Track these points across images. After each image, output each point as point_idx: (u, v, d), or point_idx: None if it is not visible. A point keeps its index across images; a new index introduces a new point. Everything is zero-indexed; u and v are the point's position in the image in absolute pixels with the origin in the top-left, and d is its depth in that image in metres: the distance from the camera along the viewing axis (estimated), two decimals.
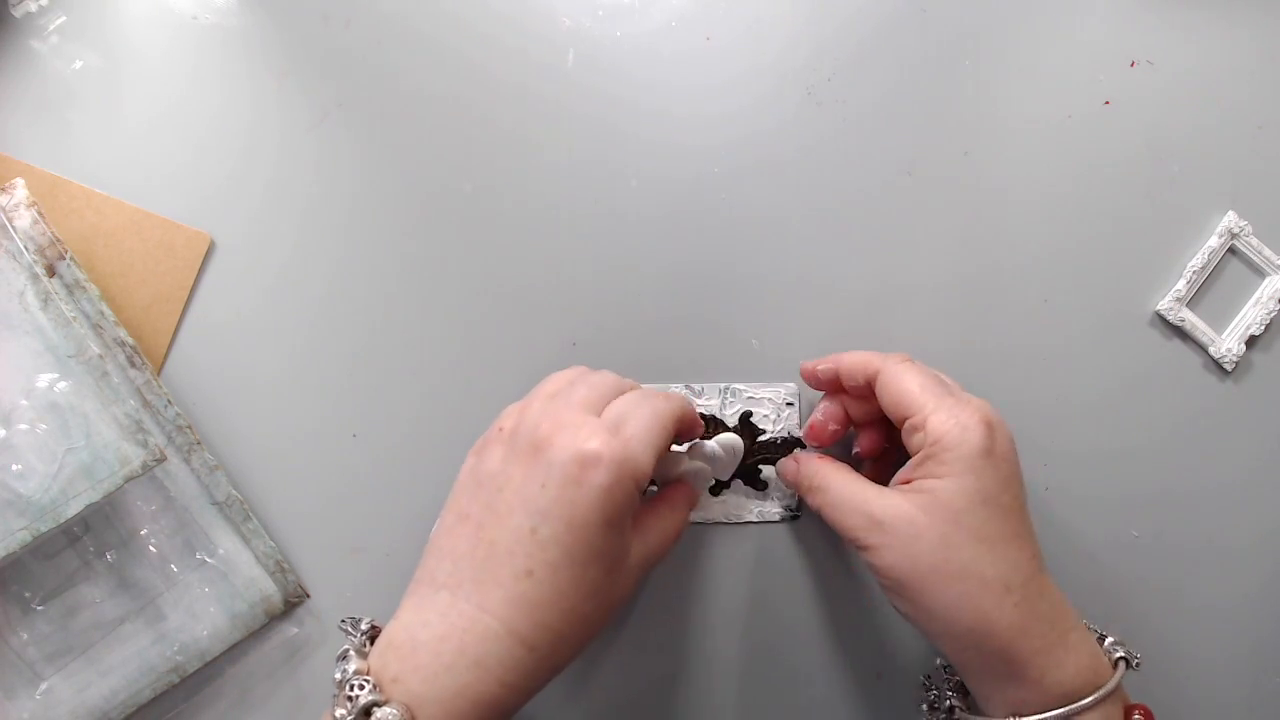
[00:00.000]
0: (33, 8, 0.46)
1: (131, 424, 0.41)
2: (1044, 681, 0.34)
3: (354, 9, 0.47)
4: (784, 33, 0.47)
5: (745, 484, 0.45)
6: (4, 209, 0.42)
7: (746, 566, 0.46)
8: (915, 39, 0.47)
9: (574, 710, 0.46)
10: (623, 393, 0.37)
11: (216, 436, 0.45)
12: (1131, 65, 0.47)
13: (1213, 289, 0.47)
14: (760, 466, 0.45)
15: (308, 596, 0.45)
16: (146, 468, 0.41)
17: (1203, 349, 0.47)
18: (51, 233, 0.43)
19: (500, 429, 0.36)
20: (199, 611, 0.44)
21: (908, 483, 0.36)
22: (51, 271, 0.42)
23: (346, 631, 0.35)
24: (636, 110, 0.47)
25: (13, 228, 0.42)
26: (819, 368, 0.41)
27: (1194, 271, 0.47)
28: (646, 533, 0.37)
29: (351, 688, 0.31)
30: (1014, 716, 0.35)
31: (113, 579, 0.44)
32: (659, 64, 0.47)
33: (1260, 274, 0.47)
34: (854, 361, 0.40)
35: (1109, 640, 0.37)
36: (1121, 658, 0.36)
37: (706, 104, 0.47)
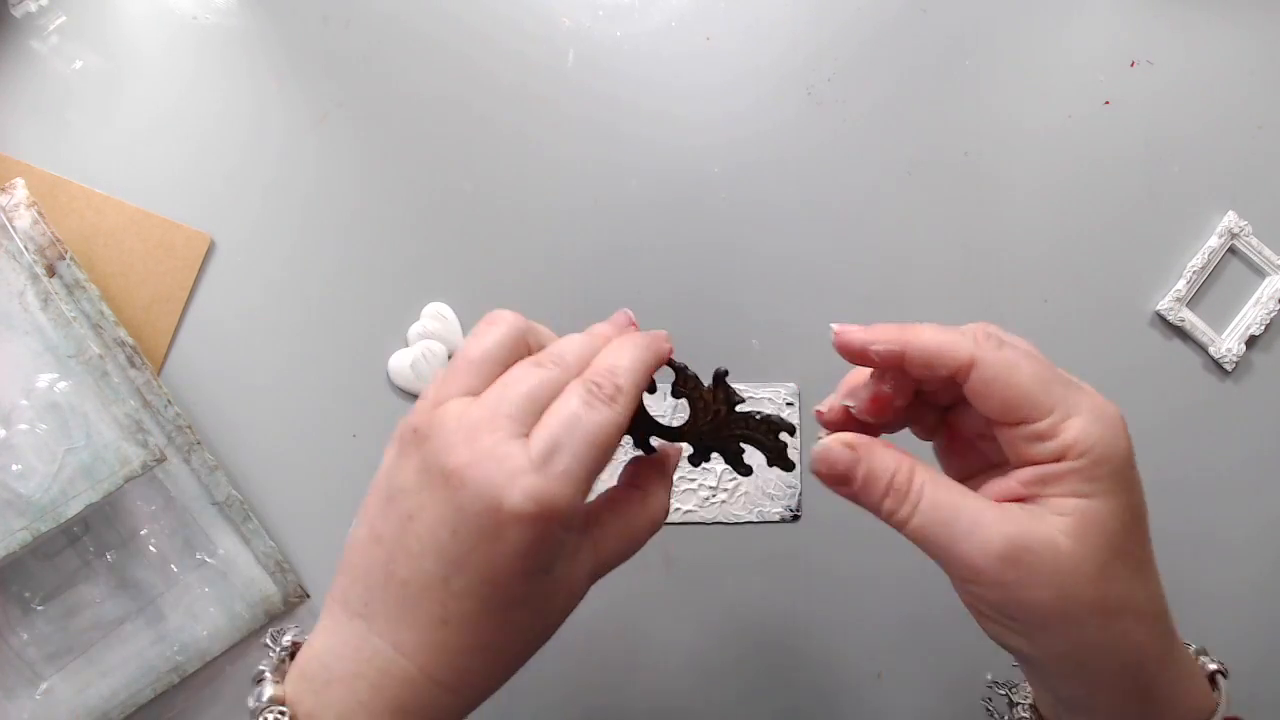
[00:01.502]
0: (33, 8, 0.46)
1: (131, 424, 0.41)
2: (1174, 709, 0.30)
3: (354, 9, 0.47)
4: (784, 33, 0.47)
5: (726, 462, 0.35)
6: (4, 209, 0.42)
7: (746, 566, 0.46)
8: (915, 39, 0.47)
9: (573, 710, 0.46)
10: (565, 384, 0.30)
11: (216, 436, 0.45)
12: (1131, 65, 0.47)
13: (1213, 289, 0.47)
14: (742, 446, 0.35)
15: (308, 596, 0.45)
16: (146, 468, 0.41)
17: (1203, 349, 0.47)
18: (51, 233, 0.43)
19: (415, 429, 0.29)
20: (199, 611, 0.44)
21: (1024, 500, 0.28)
22: (51, 271, 0.42)
23: (268, 647, 0.32)
24: (636, 110, 0.47)
25: (13, 228, 0.42)
26: (875, 346, 0.30)
27: (1194, 271, 0.47)
28: (603, 536, 0.31)
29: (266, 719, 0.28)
30: None
31: (113, 579, 0.44)
32: (659, 64, 0.47)
33: (1260, 274, 0.47)
34: (934, 344, 0.29)
35: (1192, 647, 0.33)
36: (1219, 671, 0.32)
37: (706, 104, 0.47)
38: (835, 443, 0.30)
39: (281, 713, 0.28)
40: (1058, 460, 0.27)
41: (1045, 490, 0.28)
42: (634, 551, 0.32)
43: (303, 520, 0.45)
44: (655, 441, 0.34)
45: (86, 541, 0.43)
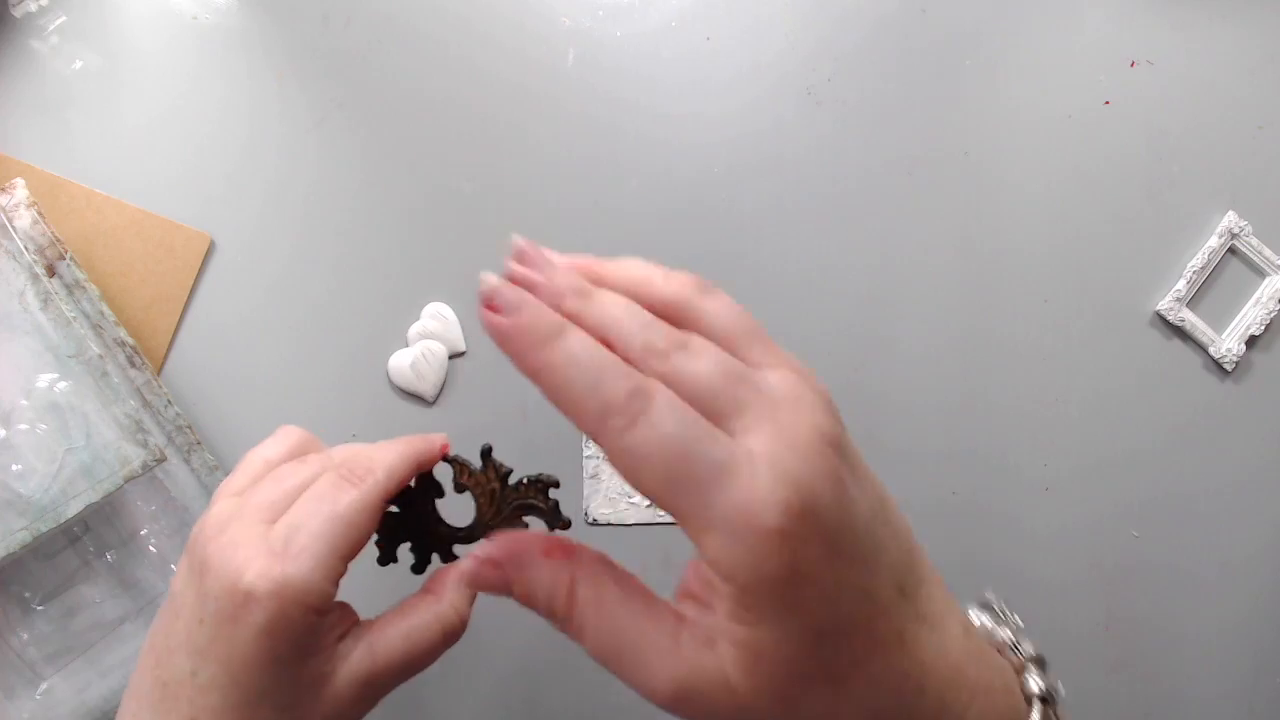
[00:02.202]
0: (33, 8, 0.46)
1: (131, 424, 0.41)
2: None
3: (354, 9, 0.47)
4: (784, 33, 0.47)
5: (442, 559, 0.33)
6: (4, 209, 0.42)
7: None
8: (915, 39, 0.47)
9: (571, 710, 0.46)
10: (316, 478, 0.30)
11: (216, 436, 0.45)
12: (1131, 65, 0.47)
13: (1213, 289, 0.47)
14: (525, 520, 0.32)
15: None
16: (146, 468, 0.41)
17: (1203, 349, 0.47)
18: (51, 233, 0.43)
19: (192, 534, 0.30)
20: None
21: (703, 603, 0.24)
22: (51, 271, 0.42)
23: None
24: (636, 110, 0.47)
25: (13, 228, 0.42)
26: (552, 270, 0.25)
27: (1194, 271, 0.47)
28: (381, 639, 0.30)
29: None
30: None
31: (113, 579, 0.44)
32: (659, 64, 0.47)
33: (1260, 274, 0.47)
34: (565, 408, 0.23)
35: (1000, 635, 0.28)
36: (1031, 659, 0.28)
37: (706, 104, 0.47)
38: (483, 566, 0.26)
39: None
40: (707, 573, 0.23)
41: (716, 602, 0.23)
42: (421, 659, 0.30)
43: None
44: (458, 550, 0.33)
45: (86, 541, 0.43)
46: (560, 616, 0.25)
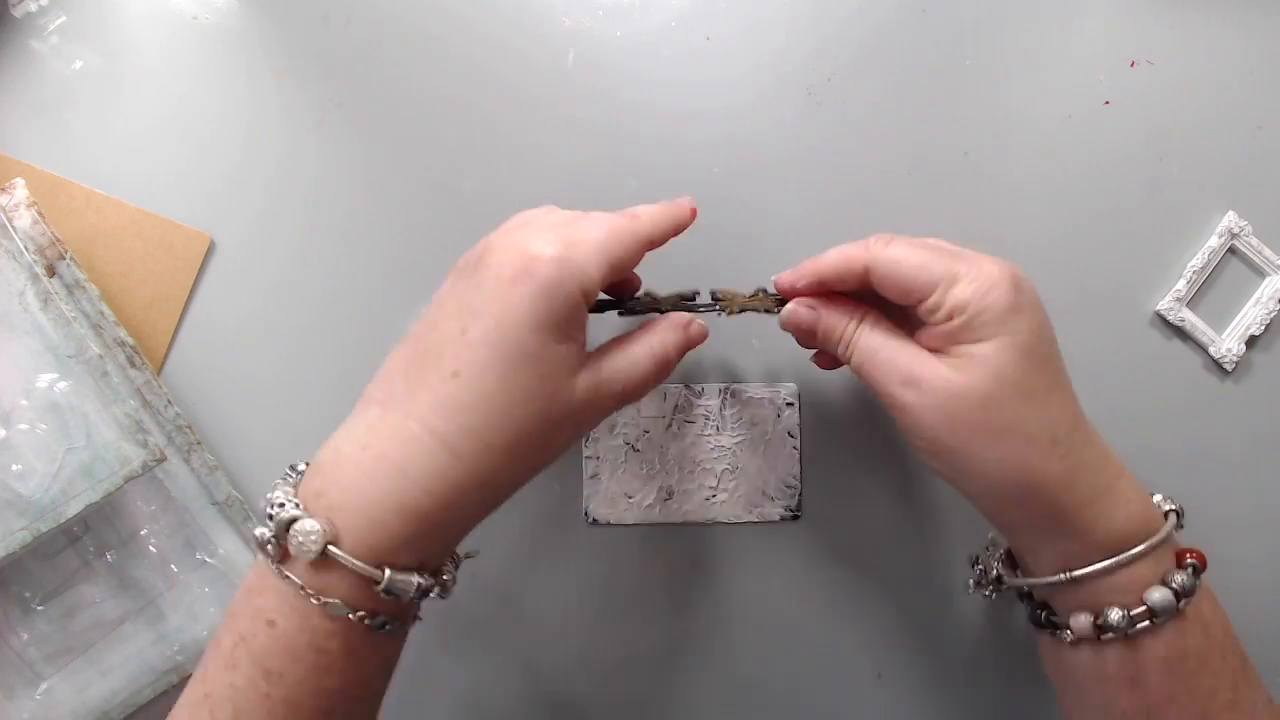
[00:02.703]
0: (33, 8, 0.46)
1: (131, 424, 0.41)
2: (1093, 532, 0.33)
3: (354, 9, 0.47)
4: (784, 32, 0.47)
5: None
6: (4, 209, 0.42)
7: (747, 566, 0.46)
8: (915, 39, 0.47)
9: (570, 709, 0.46)
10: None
11: (216, 436, 0.45)
12: (1131, 65, 0.47)
13: (1213, 289, 0.47)
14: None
15: None
16: (146, 468, 0.41)
17: (1203, 349, 0.47)
18: (51, 233, 0.43)
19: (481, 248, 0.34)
20: (199, 612, 0.44)
21: (937, 351, 0.34)
22: (51, 271, 0.42)
23: (286, 475, 0.33)
24: (636, 110, 0.47)
25: (13, 228, 0.42)
26: (799, 284, 0.37)
27: (1194, 271, 0.47)
28: (602, 360, 0.34)
29: (273, 506, 0.30)
30: (1065, 572, 0.34)
31: (113, 579, 0.44)
32: (659, 64, 0.47)
33: (1260, 274, 0.47)
34: (834, 264, 0.36)
35: (1157, 496, 0.36)
36: (1172, 510, 0.36)
37: (706, 104, 0.47)
38: (799, 305, 0.37)
39: (288, 500, 0.30)
40: (950, 320, 0.33)
41: (945, 345, 0.34)
42: (636, 384, 0.35)
43: None
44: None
45: (86, 541, 0.43)
46: (847, 339, 0.36)
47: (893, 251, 0.34)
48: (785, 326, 0.38)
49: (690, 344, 0.37)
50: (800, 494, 0.46)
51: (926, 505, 0.46)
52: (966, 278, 0.33)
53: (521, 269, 0.31)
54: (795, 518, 0.46)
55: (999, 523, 0.36)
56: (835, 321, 0.36)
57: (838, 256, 0.36)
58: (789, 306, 0.38)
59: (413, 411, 0.30)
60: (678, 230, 0.37)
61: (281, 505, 0.30)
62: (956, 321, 0.33)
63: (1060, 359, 0.35)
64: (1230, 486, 0.47)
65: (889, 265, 0.34)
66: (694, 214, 0.38)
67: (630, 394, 0.35)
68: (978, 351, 0.33)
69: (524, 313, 0.30)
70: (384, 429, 0.31)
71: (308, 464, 0.33)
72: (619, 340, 0.35)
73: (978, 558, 0.42)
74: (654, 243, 0.36)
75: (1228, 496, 0.47)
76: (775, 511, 0.46)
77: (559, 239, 0.32)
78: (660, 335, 0.36)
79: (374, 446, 0.30)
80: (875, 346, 0.35)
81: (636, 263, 0.36)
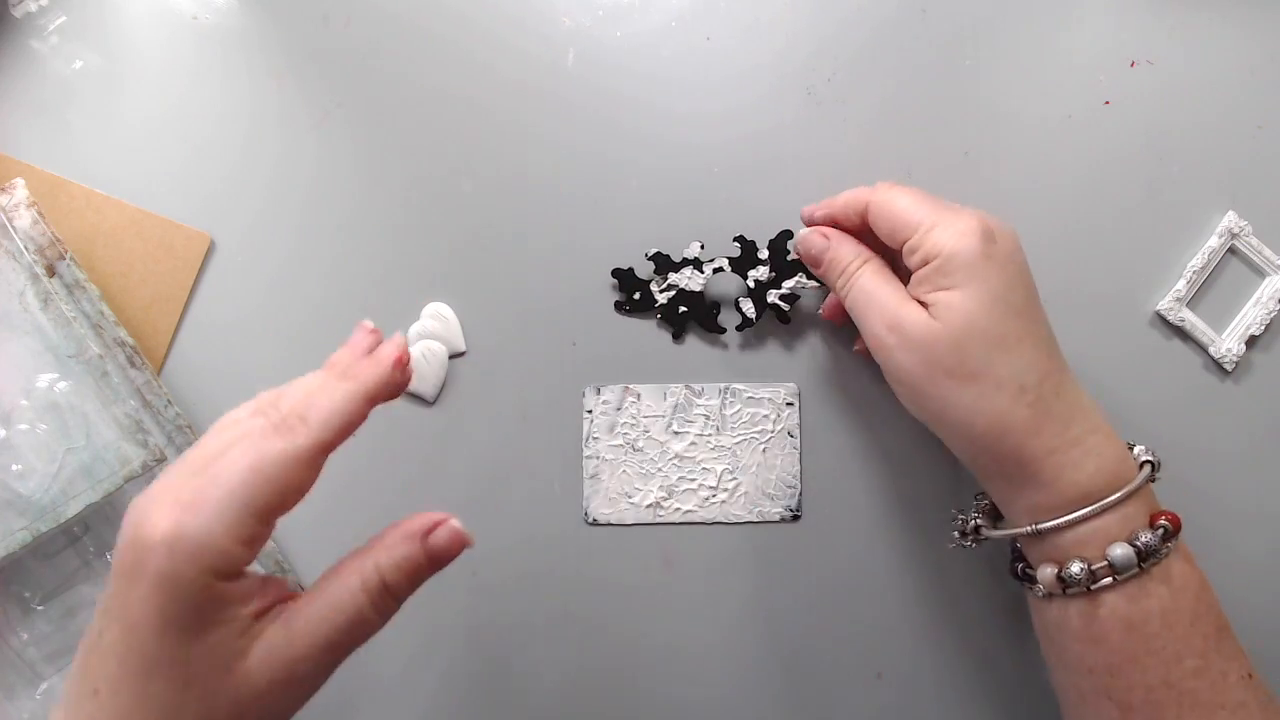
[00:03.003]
0: (33, 8, 0.46)
1: (131, 424, 0.41)
2: (1059, 482, 0.34)
3: (354, 9, 0.47)
4: (784, 32, 0.47)
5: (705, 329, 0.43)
6: (4, 209, 0.42)
7: (747, 566, 0.46)
8: (915, 39, 0.47)
9: (570, 709, 0.46)
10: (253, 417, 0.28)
11: None
12: (1131, 65, 0.47)
13: (1213, 289, 0.47)
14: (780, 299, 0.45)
15: None
16: (146, 468, 0.41)
17: (1203, 349, 0.47)
18: (51, 233, 0.43)
19: None
20: None
21: (922, 303, 0.36)
22: (51, 271, 0.42)
23: None
24: (637, 110, 0.47)
25: (13, 228, 0.42)
26: (816, 213, 0.42)
27: (1194, 271, 0.47)
28: (294, 617, 0.27)
29: None
30: (1034, 524, 0.35)
31: None
32: (659, 64, 0.47)
33: (1260, 274, 0.47)
34: (845, 200, 0.40)
35: (1138, 448, 0.37)
36: (1147, 461, 0.36)
37: (707, 103, 0.47)
38: (814, 233, 0.41)
39: None
40: (924, 265, 0.35)
41: (922, 289, 0.36)
42: (345, 630, 0.27)
43: (302, 520, 0.45)
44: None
45: (86, 541, 0.43)
46: (848, 276, 0.39)
47: (891, 193, 0.38)
48: (799, 248, 0.42)
49: (434, 563, 0.28)
50: (800, 494, 0.46)
51: (926, 505, 0.46)
52: (942, 225, 0.35)
53: (133, 562, 0.25)
54: (795, 518, 0.46)
55: (976, 471, 0.38)
56: (842, 255, 0.39)
57: (849, 193, 0.40)
58: (804, 230, 0.42)
59: None
60: (378, 403, 0.29)
61: None
62: (930, 266, 0.35)
63: (1039, 310, 0.37)
64: (1230, 486, 0.47)
65: (883, 203, 0.37)
66: (399, 362, 0.30)
67: (341, 643, 0.27)
68: (951, 299, 0.35)
69: (141, 613, 0.25)
70: None
71: None
72: (322, 578, 0.28)
73: (961, 510, 0.42)
74: (331, 446, 0.28)
75: (1228, 496, 0.47)
76: (775, 511, 0.46)
77: (175, 505, 0.25)
78: (375, 556, 0.28)
79: None
80: (870, 288, 0.38)
81: (319, 466, 0.28)
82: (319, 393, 0.28)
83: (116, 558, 0.26)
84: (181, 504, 0.25)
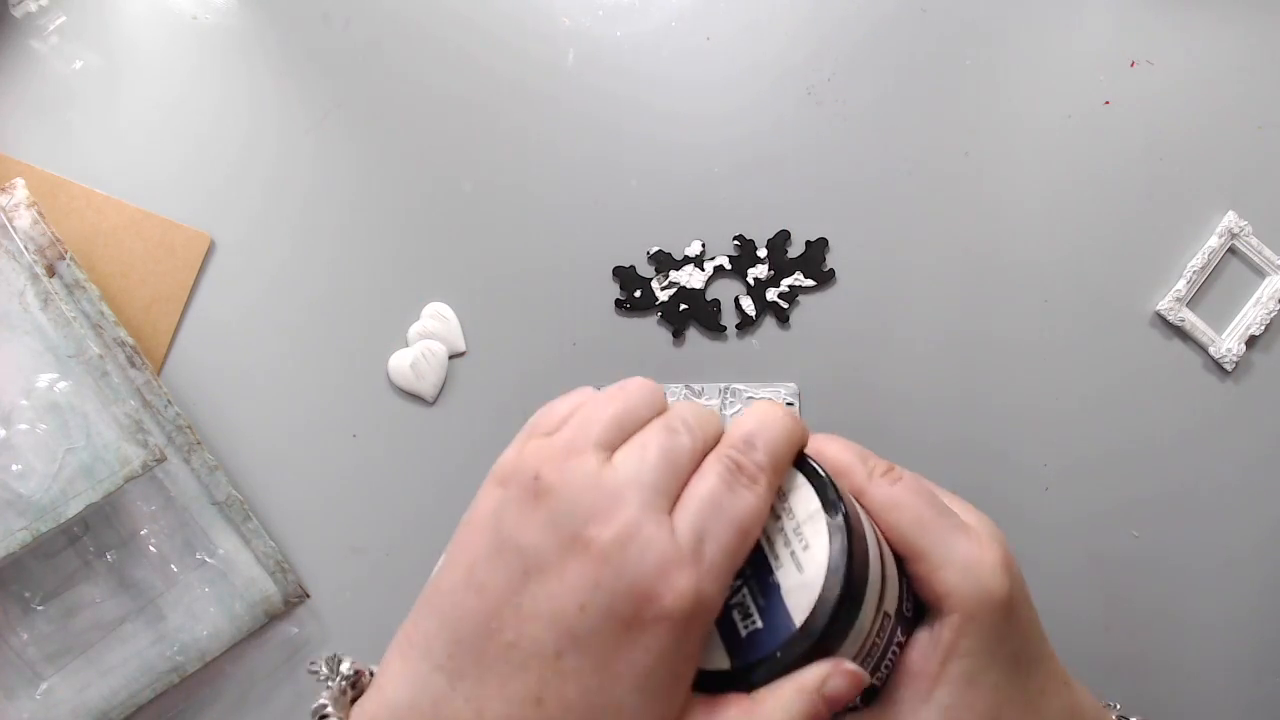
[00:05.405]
0: (33, 8, 0.46)
1: (131, 424, 0.41)
2: None
3: (354, 8, 0.47)
4: (784, 32, 0.47)
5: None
6: (4, 209, 0.42)
7: None
8: (915, 39, 0.47)
9: None
10: (698, 453, 0.26)
11: (216, 436, 0.45)
12: (1131, 65, 0.47)
13: (1213, 289, 0.47)
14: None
15: (308, 596, 0.45)
16: (146, 468, 0.41)
17: (1203, 349, 0.47)
18: (51, 233, 0.43)
19: (536, 477, 0.26)
20: (199, 611, 0.44)
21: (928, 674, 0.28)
22: (51, 271, 0.42)
23: (322, 677, 0.28)
24: (637, 109, 0.47)
25: (13, 228, 0.42)
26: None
27: (1194, 271, 0.46)
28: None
29: None
30: None
31: (113, 579, 0.44)
32: (659, 63, 0.47)
33: (1260, 274, 0.47)
34: (832, 461, 0.30)
35: (1116, 709, 0.33)
36: None
37: (707, 103, 0.47)
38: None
39: None
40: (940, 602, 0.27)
41: (935, 653, 0.27)
42: None
43: (303, 520, 0.45)
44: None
45: (86, 541, 0.43)
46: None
47: (893, 492, 0.29)
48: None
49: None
50: None
51: None
52: (960, 562, 0.27)
53: (644, 621, 0.24)
54: None
55: None
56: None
57: (839, 457, 0.30)
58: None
59: (485, 715, 0.25)
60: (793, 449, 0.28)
61: None
62: (949, 630, 0.27)
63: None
64: (1230, 486, 0.47)
65: (884, 506, 0.29)
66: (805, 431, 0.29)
67: None
68: (970, 668, 0.27)
69: (632, 670, 0.24)
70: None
71: (354, 671, 0.28)
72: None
73: None
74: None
75: (1228, 496, 0.47)
76: None
77: (688, 575, 0.24)
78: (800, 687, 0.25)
79: None
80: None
81: None
82: (758, 424, 0.28)
83: (602, 597, 0.24)
84: (688, 563, 0.24)
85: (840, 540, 0.25)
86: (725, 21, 0.47)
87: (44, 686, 0.43)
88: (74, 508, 0.40)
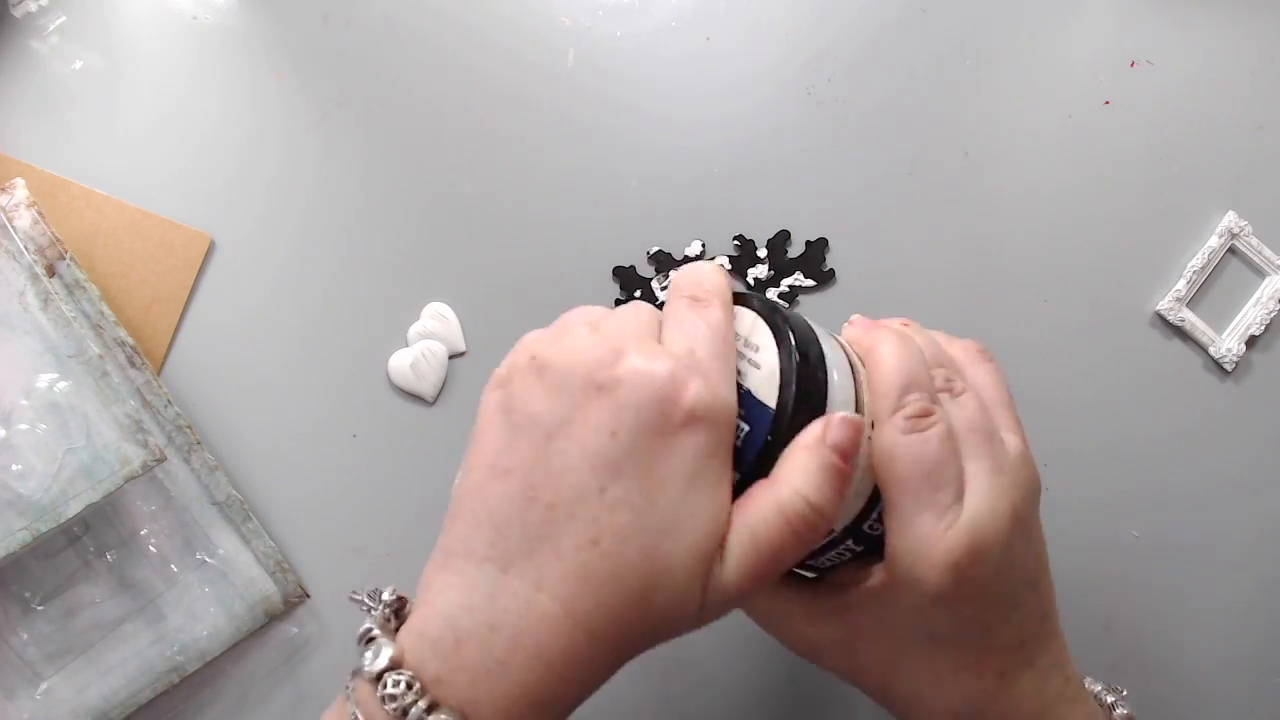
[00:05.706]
0: (33, 8, 0.46)
1: (131, 424, 0.41)
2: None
3: (354, 9, 0.47)
4: (784, 33, 0.47)
5: None
6: (4, 209, 0.42)
7: None
8: (916, 39, 0.47)
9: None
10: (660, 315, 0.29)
11: (216, 436, 0.45)
12: (1131, 65, 0.47)
13: (1213, 289, 0.47)
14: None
15: (308, 596, 0.45)
16: (146, 468, 0.41)
17: (1203, 349, 0.47)
18: (51, 233, 0.43)
19: (533, 358, 0.28)
20: (199, 611, 0.44)
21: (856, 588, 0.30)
22: (51, 271, 0.42)
23: (364, 606, 0.28)
24: (637, 111, 0.47)
25: (13, 228, 0.42)
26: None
27: (1194, 271, 0.47)
28: (756, 528, 0.27)
29: (387, 685, 0.24)
30: None
31: (113, 579, 0.44)
32: (659, 64, 0.47)
33: (1260, 274, 0.47)
34: (879, 373, 0.30)
35: (1098, 688, 0.33)
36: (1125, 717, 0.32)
37: (707, 104, 0.47)
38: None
39: (406, 678, 0.24)
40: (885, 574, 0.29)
41: (869, 586, 0.30)
42: (779, 558, 0.27)
43: (303, 520, 0.45)
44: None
45: (86, 541, 0.43)
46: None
47: (898, 430, 0.29)
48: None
49: (840, 471, 0.27)
50: None
51: None
52: (915, 536, 0.28)
53: (676, 424, 0.25)
54: None
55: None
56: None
57: (882, 376, 0.30)
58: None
59: (544, 583, 0.25)
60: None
61: (404, 686, 0.24)
62: (883, 576, 0.30)
63: (1024, 591, 0.31)
64: (1230, 486, 0.47)
65: (885, 445, 0.29)
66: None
67: (781, 564, 0.27)
68: (885, 617, 0.30)
69: (679, 470, 0.26)
70: (512, 604, 0.25)
71: (396, 598, 0.28)
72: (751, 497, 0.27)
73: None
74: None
75: (1228, 496, 0.47)
76: None
77: (701, 378, 0.26)
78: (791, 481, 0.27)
79: (504, 628, 0.25)
80: (768, 607, 0.35)
81: None
82: (694, 270, 0.30)
83: (628, 416, 0.26)
84: (697, 370, 0.26)
85: (780, 323, 0.27)
86: (725, 22, 0.47)
87: (44, 686, 0.43)
88: (74, 508, 0.40)
